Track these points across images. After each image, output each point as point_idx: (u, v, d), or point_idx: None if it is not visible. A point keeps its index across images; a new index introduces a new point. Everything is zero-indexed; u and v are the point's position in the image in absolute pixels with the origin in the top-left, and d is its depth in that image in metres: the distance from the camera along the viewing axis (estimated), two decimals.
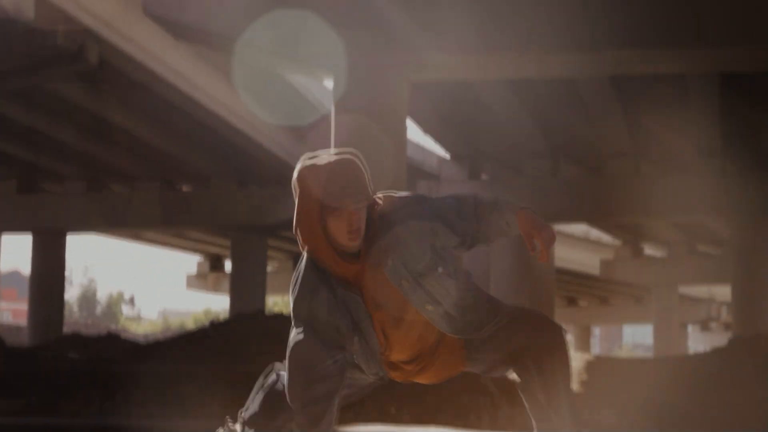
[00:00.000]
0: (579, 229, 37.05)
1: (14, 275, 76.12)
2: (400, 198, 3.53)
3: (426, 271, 3.48)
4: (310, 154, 3.48)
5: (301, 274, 3.53)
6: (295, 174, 3.45)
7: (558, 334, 3.69)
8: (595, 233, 37.15)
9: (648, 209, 22.12)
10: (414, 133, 29.74)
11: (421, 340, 3.58)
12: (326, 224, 3.38)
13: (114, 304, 77.81)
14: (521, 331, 3.63)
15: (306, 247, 3.46)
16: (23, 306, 52.14)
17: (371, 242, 3.46)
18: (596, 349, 73.82)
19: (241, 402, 7.57)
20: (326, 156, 3.44)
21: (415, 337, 3.56)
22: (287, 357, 3.54)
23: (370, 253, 3.46)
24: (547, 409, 3.71)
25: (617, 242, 35.01)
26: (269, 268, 33.11)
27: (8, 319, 56.43)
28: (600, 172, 22.20)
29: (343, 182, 3.37)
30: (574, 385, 3.15)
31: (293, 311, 3.53)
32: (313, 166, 3.41)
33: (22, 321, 45.29)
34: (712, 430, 6.14)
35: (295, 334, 3.53)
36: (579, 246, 37.53)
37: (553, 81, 17.24)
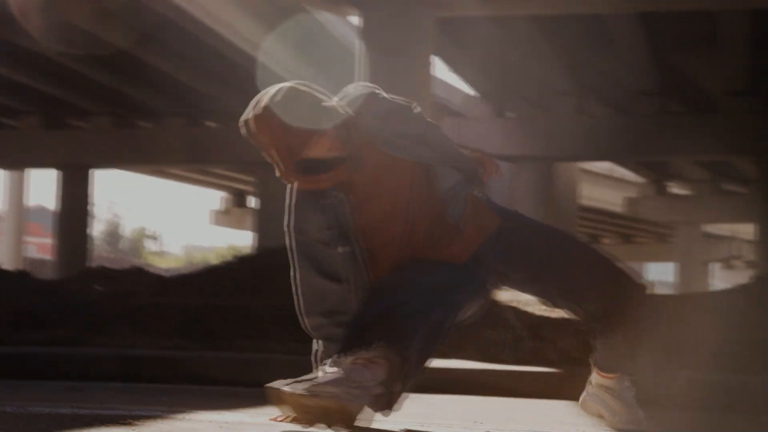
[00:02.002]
0: (603, 166, 36.91)
1: (39, 210, 76.52)
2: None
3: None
4: (255, 101, 3.43)
5: (292, 188, 3.53)
6: (247, 126, 3.40)
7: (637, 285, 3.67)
8: (619, 171, 37.00)
9: (673, 148, 22.02)
10: (440, 70, 29.58)
11: (405, 234, 3.48)
12: (302, 157, 3.35)
13: (138, 239, 78.19)
14: (583, 270, 3.58)
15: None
16: (48, 240, 52.43)
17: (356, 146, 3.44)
18: None
19: (266, 334, 7.64)
20: (265, 98, 3.38)
21: (399, 230, 3.48)
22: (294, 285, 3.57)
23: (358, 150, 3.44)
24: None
25: (642, 180, 34.88)
26: None
27: (33, 253, 56.80)
28: (626, 111, 22.08)
29: (295, 117, 3.32)
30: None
31: (285, 226, 3.54)
32: (261, 113, 3.35)
33: (47, 255, 45.60)
34: (734, 366, 6.17)
35: (295, 260, 3.54)
36: (603, 183, 37.41)
37: (580, 18, 17.09)
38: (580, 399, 3.88)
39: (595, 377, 3.83)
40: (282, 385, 3.15)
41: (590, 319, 3.65)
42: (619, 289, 3.60)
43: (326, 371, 3.20)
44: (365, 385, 3.17)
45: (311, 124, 3.33)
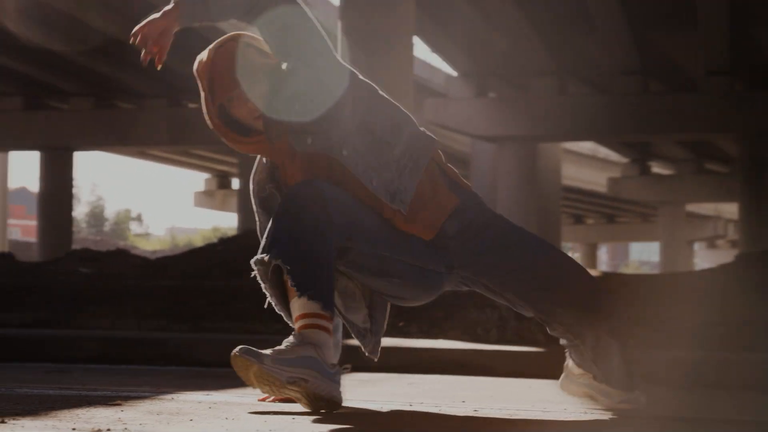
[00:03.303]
0: (586, 146, 36.97)
1: (22, 192, 76.31)
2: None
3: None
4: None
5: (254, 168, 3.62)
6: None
7: (601, 292, 3.58)
8: (603, 151, 37.08)
9: (655, 127, 22.08)
10: (422, 50, 29.57)
11: None
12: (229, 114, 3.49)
13: (122, 221, 78.10)
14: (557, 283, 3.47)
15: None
16: (32, 223, 52.30)
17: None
18: (603, 266, 74.13)
19: (251, 315, 7.65)
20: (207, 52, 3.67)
21: None
22: None
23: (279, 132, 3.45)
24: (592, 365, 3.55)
25: (625, 160, 34.98)
26: None
27: (17, 235, 56.64)
28: (607, 90, 22.11)
29: (223, 72, 3.52)
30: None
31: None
32: (199, 61, 3.68)
33: (31, 238, 45.49)
34: (717, 344, 6.21)
35: None
36: (586, 164, 37.49)
37: None
38: (560, 382, 3.71)
39: (574, 367, 3.66)
40: (252, 357, 3.16)
41: (559, 328, 3.53)
42: (593, 297, 3.52)
43: (295, 346, 3.21)
44: (334, 367, 3.21)
45: (243, 78, 3.45)
